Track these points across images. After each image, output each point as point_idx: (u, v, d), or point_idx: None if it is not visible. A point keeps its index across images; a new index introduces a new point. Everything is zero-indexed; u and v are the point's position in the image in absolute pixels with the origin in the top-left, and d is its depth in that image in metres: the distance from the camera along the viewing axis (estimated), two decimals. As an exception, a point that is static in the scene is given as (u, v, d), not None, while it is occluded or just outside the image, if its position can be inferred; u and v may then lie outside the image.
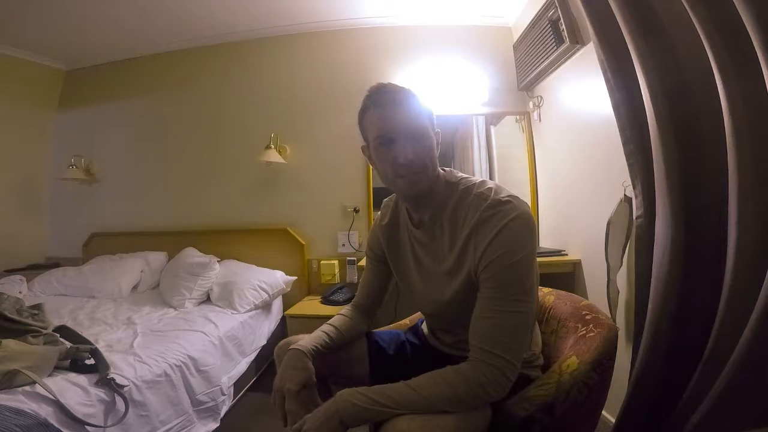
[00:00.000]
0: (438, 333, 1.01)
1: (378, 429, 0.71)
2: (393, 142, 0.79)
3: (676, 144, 0.96)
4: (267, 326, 2.14)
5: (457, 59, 2.35)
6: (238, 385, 1.79)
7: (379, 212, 1.04)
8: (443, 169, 0.88)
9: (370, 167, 2.41)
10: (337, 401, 0.71)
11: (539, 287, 1.02)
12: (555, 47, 1.72)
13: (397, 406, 0.69)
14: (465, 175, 0.87)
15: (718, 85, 0.83)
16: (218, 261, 2.25)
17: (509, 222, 0.73)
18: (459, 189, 0.83)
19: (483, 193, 0.79)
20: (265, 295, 2.10)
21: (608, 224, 1.36)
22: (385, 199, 1.03)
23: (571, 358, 0.86)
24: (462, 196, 0.82)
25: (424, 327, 1.10)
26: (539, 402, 0.78)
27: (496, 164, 2.35)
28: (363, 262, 2.01)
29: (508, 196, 0.77)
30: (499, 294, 0.72)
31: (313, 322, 2.01)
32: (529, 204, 2.16)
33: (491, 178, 2.32)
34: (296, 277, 2.34)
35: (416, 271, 0.92)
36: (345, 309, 1.06)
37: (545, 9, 1.76)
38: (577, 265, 1.74)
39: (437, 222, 0.85)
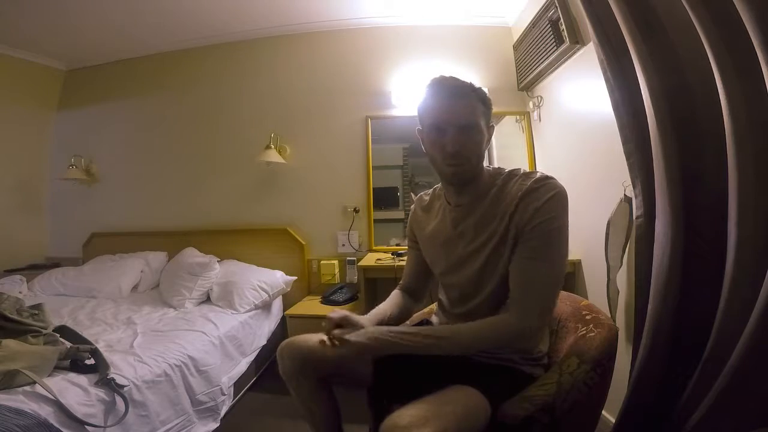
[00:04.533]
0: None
1: (379, 423, 0.72)
2: (445, 133, 0.86)
3: (676, 144, 0.96)
4: (267, 326, 2.14)
5: (457, 59, 2.35)
6: (238, 385, 1.79)
7: (414, 204, 1.12)
8: (491, 167, 0.96)
9: (370, 167, 2.42)
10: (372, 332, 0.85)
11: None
12: (555, 47, 1.72)
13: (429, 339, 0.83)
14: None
15: (718, 85, 0.83)
16: (218, 261, 2.25)
17: (556, 194, 0.83)
18: (505, 172, 0.93)
19: (530, 172, 0.90)
20: (265, 295, 2.10)
21: (608, 224, 1.36)
22: (421, 192, 1.12)
23: (571, 358, 0.86)
24: (508, 177, 0.91)
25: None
26: (539, 402, 0.78)
27: (496, 164, 2.35)
28: (363, 262, 2.01)
29: (551, 176, 0.88)
30: (537, 254, 0.81)
31: (313, 322, 2.02)
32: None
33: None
34: (296, 277, 2.34)
35: (449, 248, 0.97)
36: (393, 293, 1.14)
37: (545, 9, 1.76)
38: (577, 265, 1.74)
39: (476, 204, 0.92)
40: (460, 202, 0.95)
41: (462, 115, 0.84)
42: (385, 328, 0.89)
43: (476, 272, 0.91)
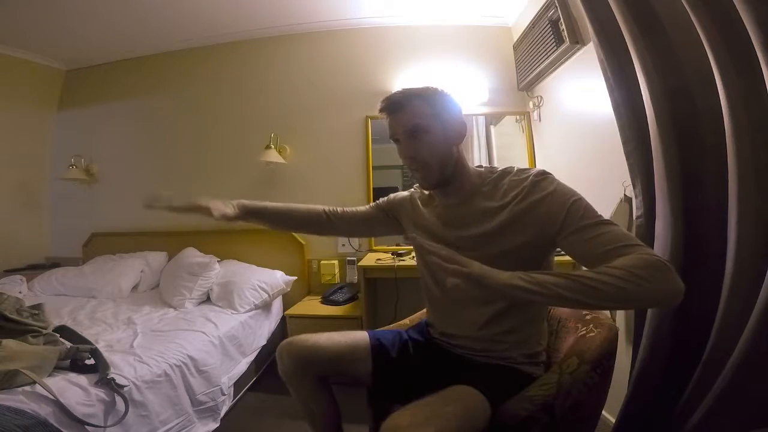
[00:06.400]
0: (446, 329, 1.01)
1: (379, 423, 0.72)
2: (399, 142, 0.91)
3: (676, 144, 0.96)
4: (267, 326, 2.14)
5: (457, 59, 2.35)
6: (238, 385, 1.79)
7: (414, 192, 1.09)
8: (482, 166, 0.97)
9: (370, 167, 2.42)
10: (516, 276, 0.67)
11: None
12: (555, 47, 1.72)
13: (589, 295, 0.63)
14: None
15: (718, 85, 0.83)
16: (218, 261, 2.25)
17: (559, 184, 0.84)
18: (498, 170, 0.93)
19: (525, 169, 0.90)
20: (265, 295, 2.10)
21: (608, 224, 1.36)
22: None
23: (572, 358, 0.86)
24: (502, 175, 0.91)
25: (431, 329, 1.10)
26: (539, 402, 0.78)
27: (496, 164, 2.35)
28: (363, 262, 2.01)
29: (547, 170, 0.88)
30: (592, 221, 0.76)
31: (313, 322, 2.02)
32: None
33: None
34: (296, 277, 2.34)
35: (445, 243, 0.92)
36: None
37: (545, 9, 1.76)
38: (576, 265, 1.74)
39: (468, 201, 0.92)
40: (449, 203, 0.95)
41: (405, 121, 0.87)
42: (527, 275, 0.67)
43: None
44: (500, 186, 0.89)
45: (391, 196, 1.15)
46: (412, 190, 1.11)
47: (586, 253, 0.74)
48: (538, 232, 0.82)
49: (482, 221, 0.88)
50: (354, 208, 1.15)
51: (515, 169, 0.91)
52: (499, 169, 0.93)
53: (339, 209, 1.14)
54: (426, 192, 1.06)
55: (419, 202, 1.05)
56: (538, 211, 0.82)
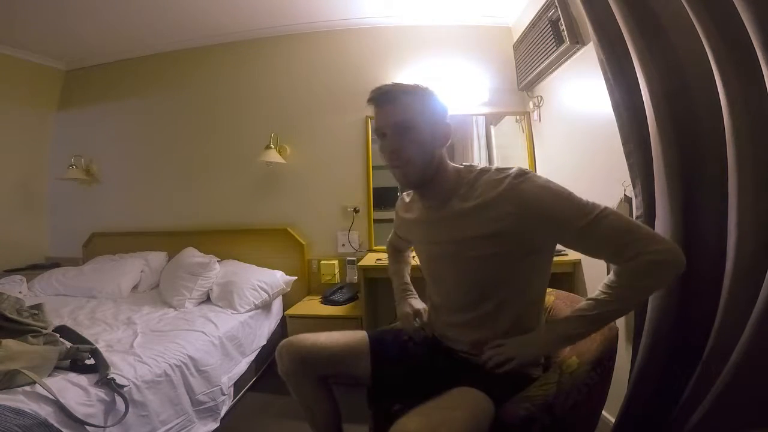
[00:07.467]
0: (446, 332, 1.01)
1: (379, 422, 0.71)
2: (384, 136, 0.87)
3: (676, 144, 0.96)
4: (267, 326, 2.15)
5: (457, 59, 2.35)
6: (238, 385, 1.79)
7: (397, 205, 1.14)
8: (462, 165, 0.93)
9: (370, 167, 2.42)
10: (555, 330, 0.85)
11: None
12: (555, 47, 1.72)
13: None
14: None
15: (717, 85, 0.83)
16: (218, 261, 2.25)
17: (539, 185, 0.80)
18: (477, 169, 0.89)
19: (503, 168, 0.86)
20: (265, 295, 2.10)
21: (608, 224, 1.36)
22: (403, 193, 1.12)
23: (572, 358, 0.86)
24: (480, 174, 0.88)
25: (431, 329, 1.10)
26: (539, 402, 0.78)
27: (496, 164, 2.35)
28: (363, 263, 2.02)
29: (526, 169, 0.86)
30: (587, 220, 0.76)
31: (313, 322, 2.02)
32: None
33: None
34: (296, 277, 2.34)
35: (430, 248, 0.97)
36: (390, 250, 1.29)
37: (545, 9, 1.75)
38: (577, 265, 1.74)
39: (446, 202, 0.90)
40: (429, 204, 0.94)
41: (395, 114, 0.85)
42: (560, 327, 0.85)
43: (455, 267, 0.91)
44: (476, 187, 0.85)
45: (395, 218, 1.18)
46: (396, 206, 1.14)
47: (593, 251, 0.81)
48: (520, 237, 0.80)
49: (457, 224, 0.87)
50: (403, 246, 1.26)
51: (493, 168, 0.87)
52: (478, 168, 0.90)
53: (396, 242, 1.26)
54: (406, 200, 1.07)
55: (403, 215, 1.08)
56: (519, 216, 0.78)
